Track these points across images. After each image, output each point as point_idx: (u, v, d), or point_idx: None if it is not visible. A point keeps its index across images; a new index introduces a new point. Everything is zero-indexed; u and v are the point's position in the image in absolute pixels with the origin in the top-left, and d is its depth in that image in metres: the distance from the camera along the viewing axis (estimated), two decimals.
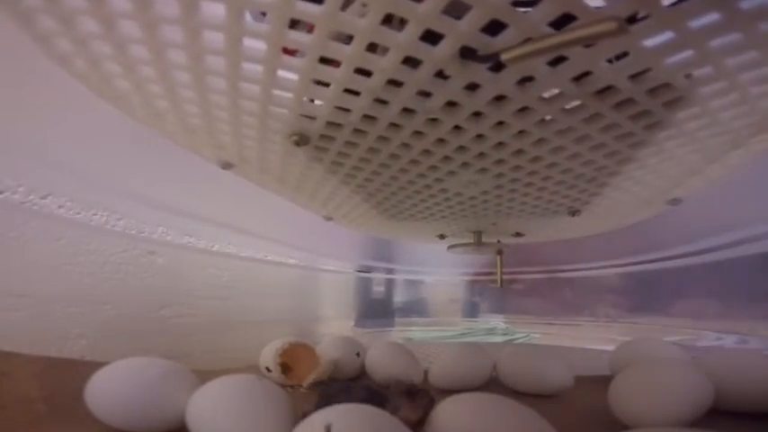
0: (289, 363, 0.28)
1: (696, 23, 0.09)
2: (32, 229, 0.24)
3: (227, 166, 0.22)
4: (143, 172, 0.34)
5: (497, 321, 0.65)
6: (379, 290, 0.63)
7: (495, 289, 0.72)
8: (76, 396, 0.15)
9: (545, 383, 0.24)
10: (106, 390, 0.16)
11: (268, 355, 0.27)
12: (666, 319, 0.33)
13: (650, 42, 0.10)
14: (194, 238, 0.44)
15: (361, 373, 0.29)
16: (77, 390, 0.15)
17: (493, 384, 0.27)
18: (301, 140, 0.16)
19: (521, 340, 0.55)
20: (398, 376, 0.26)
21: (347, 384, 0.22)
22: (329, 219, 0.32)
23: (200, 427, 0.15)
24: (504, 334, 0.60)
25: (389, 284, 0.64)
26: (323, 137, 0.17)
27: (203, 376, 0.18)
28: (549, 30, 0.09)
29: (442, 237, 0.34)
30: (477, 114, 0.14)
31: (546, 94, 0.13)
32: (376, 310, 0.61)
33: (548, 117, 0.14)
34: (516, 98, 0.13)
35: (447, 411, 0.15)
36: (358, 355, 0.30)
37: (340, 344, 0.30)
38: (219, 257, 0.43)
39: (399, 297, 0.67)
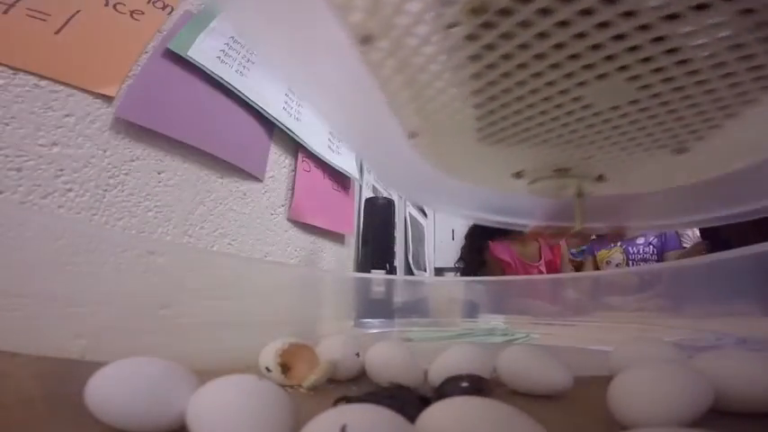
0: (288, 363, 0.28)
1: None
2: (32, 228, 0.24)
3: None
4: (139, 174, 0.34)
5: (497, 322, 0.65)
6: (378, 290, 0.63)
7: (495, 289, 0.72)
8: (76, 396, 0.15)
9: (545, 384, 0.24)
10: (106, 390, 0.16)
11: (268, 356, 0.27)
12: (666, 319, 0.33)
13: None
14: (194, 239, 0.44)
15: (361, 374, 0.29)
16: (77, 390, 0.15)
17: (492, 385, 0.27)
18: (480, 9, 0.16)
19: (520, 341, 0.55)
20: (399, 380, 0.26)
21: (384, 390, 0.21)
22: (414, 135, 0.30)
23: (201, 428, 0.15)
24: (504, 334, 0.60)
25: (389, 284, 0.64)
26: (499, 12, 0.16)
27: (203, 376, 0.18)
28: None
29: (518, 175, 0.32)
30: (672, 17, 0.14)
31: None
32: (375, 310, 0.61)
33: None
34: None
35: (436, 416, 0.15)
36: (358, 355, 0.30)
37: (340, 344, 0.30)
38: (219, 257, 0.43)
39: (399, 297, 0.67)
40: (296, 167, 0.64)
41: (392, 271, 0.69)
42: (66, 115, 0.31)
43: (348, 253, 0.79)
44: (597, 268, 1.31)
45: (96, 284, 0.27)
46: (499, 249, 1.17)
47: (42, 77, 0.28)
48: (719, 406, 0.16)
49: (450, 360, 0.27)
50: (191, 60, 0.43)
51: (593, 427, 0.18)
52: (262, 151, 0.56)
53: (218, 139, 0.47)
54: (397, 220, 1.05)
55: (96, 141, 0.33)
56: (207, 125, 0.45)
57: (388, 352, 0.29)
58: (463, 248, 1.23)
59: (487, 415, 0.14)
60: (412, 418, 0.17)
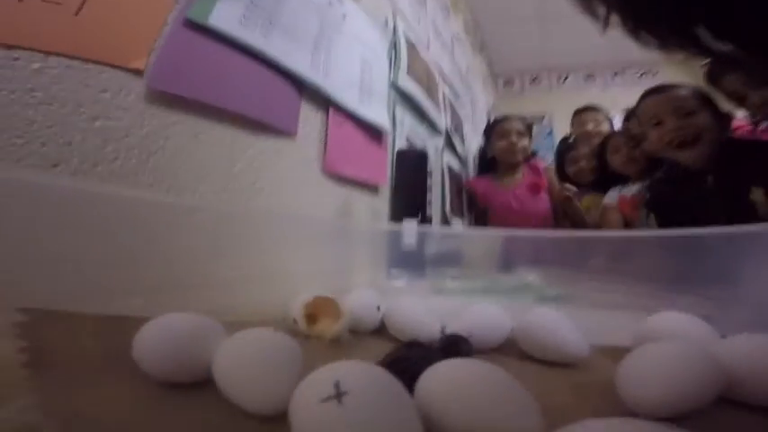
0: (315, 315, 0.30)
1: None
2: (86, 198, 0.27)
3: None
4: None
5: (533, 277, 0.63)
6: (410, 241, 0.64)
7: (532, 244, 0.70)
8: (127, 350, 0.18)
9: (558, 351, 0.24)
10: (147, 344, 0.18)
11: (295, 308, 0.30)
12: (709, 290, 0.30)
13: None
14: (232, 194, 0.47)
15: (381, 327, 0.31)
16: (128, 345, 0.18)
17: (508, 347, 0.27)
18: None
19: (551, 300, 0.53)
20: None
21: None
22: None
23: (222, 378, 0.17)
24: (537, 291, 0.59)
25: (421, 235, 0.64)
26: None
27: (239, 327, 0.19)
28: None
29: None
30: None
31: None
32: (407, 261, 0.62)
33: None
34: None
35: (433, 377, 0.16)
36: (378, 309, 0.31)
37: (361, 298, 0.32)
38: (256, 213, 0.46)
39: (433, 248, 0.67)
40: (328, 122, 0.63)
41: (425, 221, 0.69)
42: (102, 91, 0.33)
43: (382, 203, 0.80)
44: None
45: (146, 244, 0.30)
46: (474, 181, 1.38)
47: (73, 58, 0.30)
48: (732, 394, 0.15)
49: (469, 320, 0.28)
50: (211, 28, 0.42)
51: (597, 404, 0.18)
52: (292, 108, 0.55)
53: (248, 100, 0.47)
54: (433, 170, 1.05)
55: (134, 112, 0.35)
56: (236, 87, 0.45)
57: (405, 308, 0.30)
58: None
59: (479, 381, 0.15)
60: None
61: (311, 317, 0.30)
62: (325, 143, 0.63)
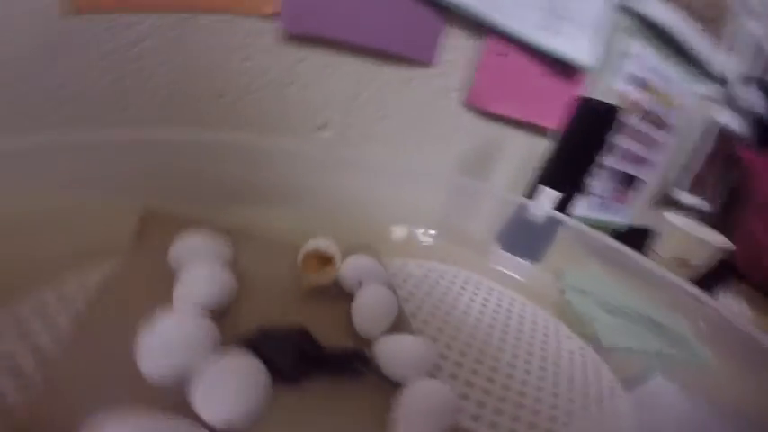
0: (313, 261, 0.36)
1: None
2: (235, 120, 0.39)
3: None
4: None
5: (682, 323, 0.42)
6: (538, 213, 0.53)
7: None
8: None
9: None
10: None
11: (301, 252, 0.36)
12: None
13: None
14: (356, 120, 0.52)
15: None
16: None
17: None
18: None
19: (671, 362, 0.37)
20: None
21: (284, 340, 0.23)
22: None
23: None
24: (674, 343, 0.41)
25: (554, 221, 0.51)
26: None
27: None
28: None
29: None
30: None
31: None
32: (522, 236, 0.53)
33: None
34: None
35: None
36: (360, 284, 0.34)
37: (355, 267, 0.33)
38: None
39: (565, 229, 0.52)
40: (483, 50, 0.52)
41: (570, 198, 0.54)
42: (246, 36, 0.42)
43: (543, 147, 0.64)
44: None
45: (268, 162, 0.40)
46: (758, 157, 0.85)
47: (220, 13, 0.38)
48: None
49: (394, 348, 0.26)
50: None
51: None
52: (431, 35, 0.49)
53: (375, 31, 0.46)
54: (682, 125, 0.67)
55: (271, 53, 0.44)
56: (363, 19, 0.45)
57: (368, 302, 0.31)
58: None
59: None
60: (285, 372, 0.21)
61: (309, 263, 0.36)
62: (476, 73, 0.55)
